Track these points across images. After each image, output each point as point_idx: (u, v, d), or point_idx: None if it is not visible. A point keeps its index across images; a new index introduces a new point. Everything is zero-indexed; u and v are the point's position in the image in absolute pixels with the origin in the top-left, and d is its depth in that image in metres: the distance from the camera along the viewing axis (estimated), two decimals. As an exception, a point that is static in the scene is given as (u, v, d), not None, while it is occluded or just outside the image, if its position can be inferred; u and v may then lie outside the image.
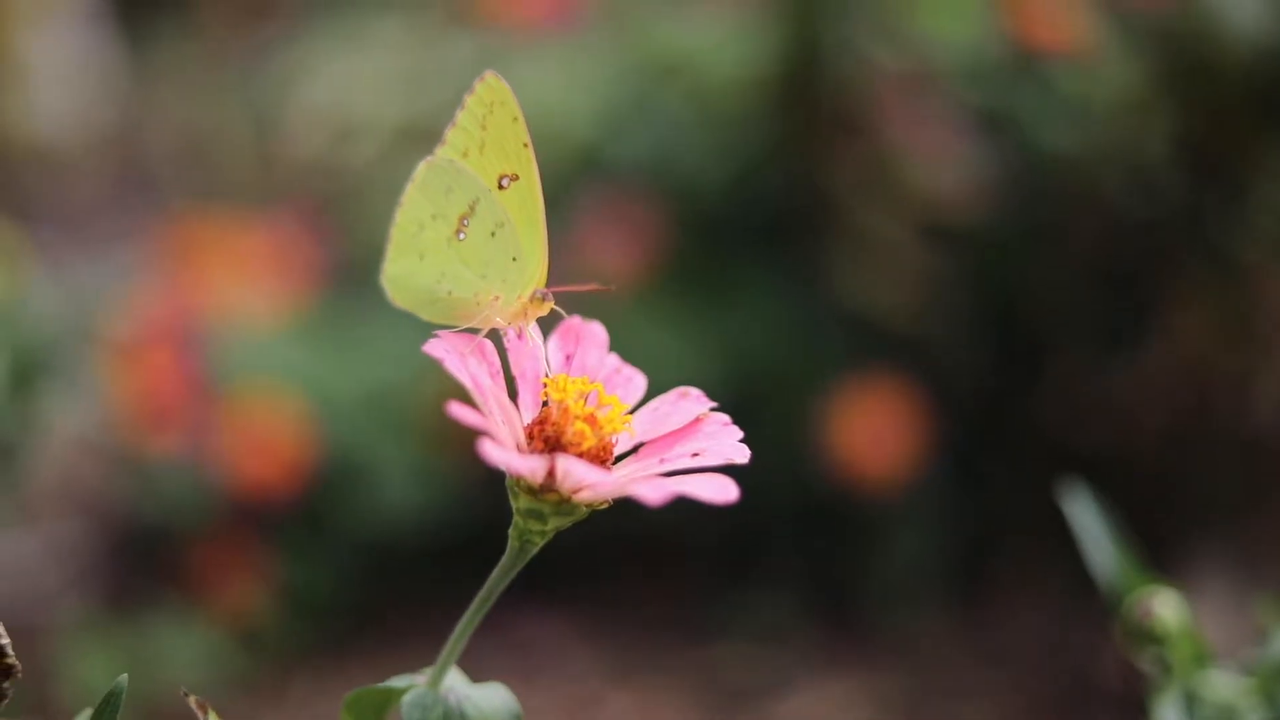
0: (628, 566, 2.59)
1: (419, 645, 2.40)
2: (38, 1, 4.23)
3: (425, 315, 0.89)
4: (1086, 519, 1.04)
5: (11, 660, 0.78)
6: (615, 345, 0.87)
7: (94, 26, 4.43)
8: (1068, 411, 2.56)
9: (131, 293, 2.76)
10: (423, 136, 2.86)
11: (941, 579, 2.53)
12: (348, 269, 2.83)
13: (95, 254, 3.52)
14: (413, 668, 0.82)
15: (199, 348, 2.61)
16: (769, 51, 2.63)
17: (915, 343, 2.57)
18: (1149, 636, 0.97)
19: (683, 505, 0.79)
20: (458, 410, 0.74)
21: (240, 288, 2.74)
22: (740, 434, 0.80)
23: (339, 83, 3.21)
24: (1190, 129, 2.49)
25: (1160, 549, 2.35)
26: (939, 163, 2.53)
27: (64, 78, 4.30)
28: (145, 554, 2.60)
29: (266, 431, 2.45)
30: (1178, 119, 2.49)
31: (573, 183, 2.67)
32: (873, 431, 2.47)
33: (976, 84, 2.55)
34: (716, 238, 2.66)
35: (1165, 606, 0.97)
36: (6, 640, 0.78)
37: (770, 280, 2.62)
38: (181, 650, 2.38)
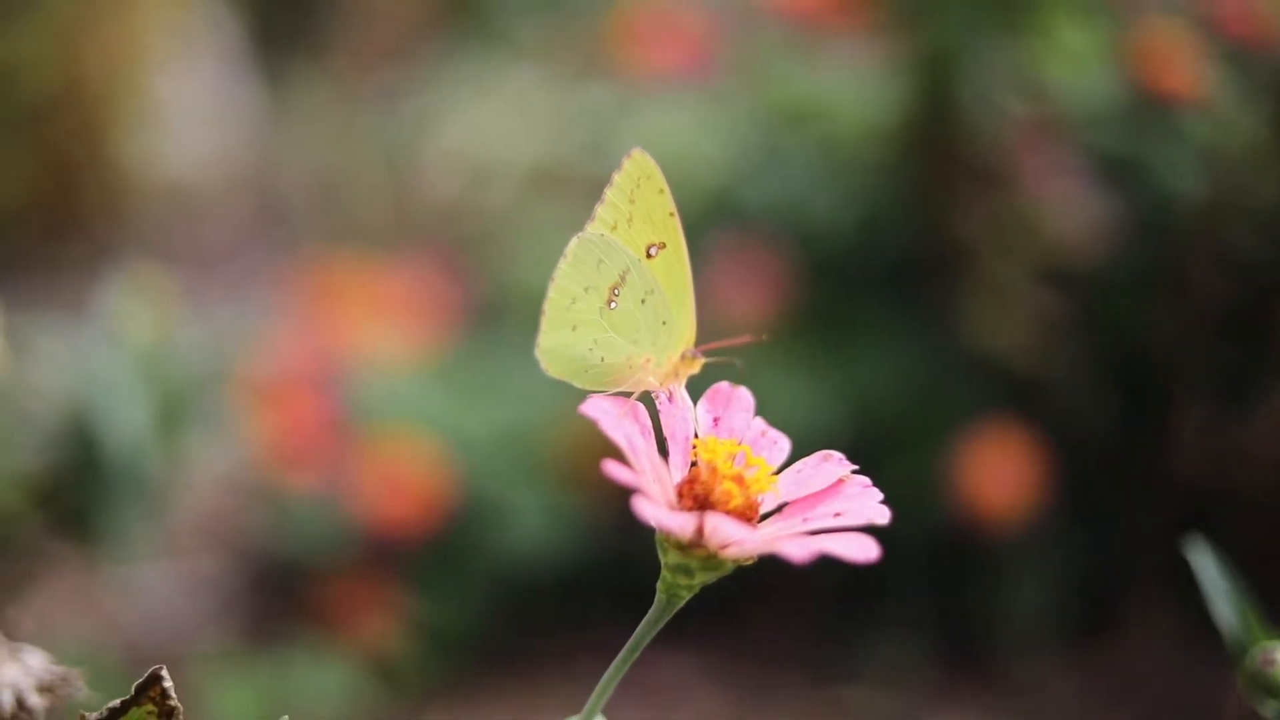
0: (754, 606, 2.61)
1: (551, 680, 2.44)
2: (176, 42, 4.29)
3: (579, 383, 0.92)
4: (1212, 572, 1.06)
5: (174, 703, 0.82)
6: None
7: (232, 68, 4.49)
8: (1188, 454, 2.55)
9: (270, 334, 2.80)
10: (556, 181, 2.90)
11: (1064, 620, 2.53)
12: (482, 311, 2.86)
13: (231, 294, 3.57)
14: (545, 703, 0.85)
15: (336, 389, 2.65)
16: (899, 99, 2.64)
17: (1040, 386, 2.58)
18: (1270, 687, 0.99)
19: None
20: (613, 469, 0.76)
21: (376, 329, 2.78)
22: (881, 495, 0.81)
23: (473, 127, 3.24)
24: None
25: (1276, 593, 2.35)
26: (1066, 209, 2.54)
27: (201, 118, 4.36)
28: (283, 589, 2.64)
29: (402, 470, 2.49)
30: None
31: (702, 227, 2.69)
32: (997, 474, 2.47)
33: (1103, 130, 2.56)
34: (843, 283, 2.67)
35: (1287, 658, 0.99)
36: (170, 683, 0.82)
37: (896, 325, 2.63)
38: (317, 684, 2.41)
